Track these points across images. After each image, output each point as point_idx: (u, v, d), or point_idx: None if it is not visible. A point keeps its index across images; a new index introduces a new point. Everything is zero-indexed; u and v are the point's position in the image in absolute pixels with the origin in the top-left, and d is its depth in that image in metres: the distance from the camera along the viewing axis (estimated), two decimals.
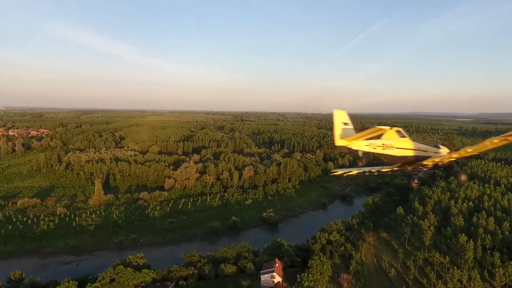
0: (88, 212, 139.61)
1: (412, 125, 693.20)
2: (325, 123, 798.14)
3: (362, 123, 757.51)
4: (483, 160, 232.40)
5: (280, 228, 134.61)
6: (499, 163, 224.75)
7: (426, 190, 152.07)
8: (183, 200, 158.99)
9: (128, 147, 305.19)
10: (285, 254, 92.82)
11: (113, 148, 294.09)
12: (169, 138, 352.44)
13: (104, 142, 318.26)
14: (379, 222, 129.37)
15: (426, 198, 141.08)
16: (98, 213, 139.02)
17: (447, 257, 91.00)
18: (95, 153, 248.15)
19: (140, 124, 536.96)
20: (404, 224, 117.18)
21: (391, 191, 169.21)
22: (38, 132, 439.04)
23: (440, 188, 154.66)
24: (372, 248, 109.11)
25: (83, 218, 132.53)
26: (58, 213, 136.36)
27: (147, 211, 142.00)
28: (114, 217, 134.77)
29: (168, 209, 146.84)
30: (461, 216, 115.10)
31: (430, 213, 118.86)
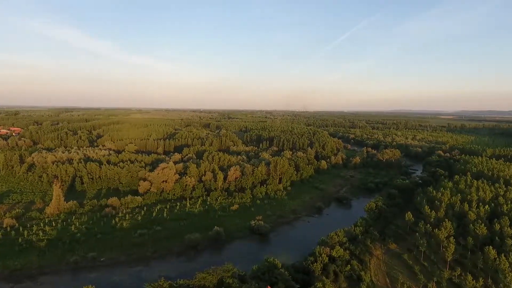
0: (42, 223, 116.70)
1: (401, 122, 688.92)
2: (313, 120, 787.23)
3: (351, 121, 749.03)
4: (483, 157, 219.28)
5: (271, 238, 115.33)
6: (500, 160, 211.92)
7: (434, 191, 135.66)
8: (158, 207, 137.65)
9: (103, 146, 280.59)
10: (280, 279, 73.48)
11: (86, 147, 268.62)
12: (149, 136, 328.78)
13: (77, 141, 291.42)
14: (385, 231, 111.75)
15: (436, 201, 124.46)
16: (54, 224, 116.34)
17: (481, 279, 73.62)
18: (64, 152, 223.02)
19: (121, 121, 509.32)
20: (417, 234, 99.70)
21: (393, 193, 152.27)
22: (9, 131, 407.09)
23: (448, 189, 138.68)
24: (382, 264, 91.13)
25: (34, 231, 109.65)
26: (4, 226, 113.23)
27: (114, 221, 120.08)
28: (73, 229, 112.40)
29: (139, 217, 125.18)
30: (483, 224, 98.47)
31: (446, 220, 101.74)
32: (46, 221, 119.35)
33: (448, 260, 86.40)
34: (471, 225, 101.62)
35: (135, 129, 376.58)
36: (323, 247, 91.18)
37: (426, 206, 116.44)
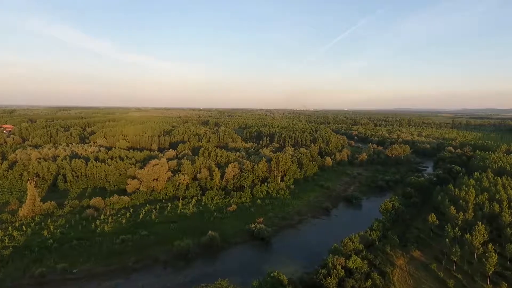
0: (11, 227, 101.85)
1: (404, 119, 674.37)
2: (314, 118, 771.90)
3: (353, 118, 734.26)
4: (499, 153, 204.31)
5: (273, 244, 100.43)
6: None
7: (456, 190, 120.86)
8: (147, 208, 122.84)
9: (95, 142, 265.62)
10: None
11: (77, 143, 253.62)
12: (145, 133, 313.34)
13: (67, 138, 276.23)
14: (406, 235, 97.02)
15: (461, 201, 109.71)
16: (24, 229, 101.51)
17: None
18: (50, 149, 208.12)
19: (118, 119, 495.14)
20: (446, 240, 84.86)
21: (409, 191, 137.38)
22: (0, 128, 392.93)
23: (471, 187, 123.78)
24: (408, 276, 76.30)
25: None
26: None
27: (94, 224, 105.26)
28: (46, 234, 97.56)
29: (124, 220, 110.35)
30: None
31: (479, 223, 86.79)
32: (17, 225, 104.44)
33: (490, 272, 71.50)
34: (508, 229, 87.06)
35: (130, 126, 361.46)
36: (336, 256, 76.42)
37: (451, 207, 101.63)
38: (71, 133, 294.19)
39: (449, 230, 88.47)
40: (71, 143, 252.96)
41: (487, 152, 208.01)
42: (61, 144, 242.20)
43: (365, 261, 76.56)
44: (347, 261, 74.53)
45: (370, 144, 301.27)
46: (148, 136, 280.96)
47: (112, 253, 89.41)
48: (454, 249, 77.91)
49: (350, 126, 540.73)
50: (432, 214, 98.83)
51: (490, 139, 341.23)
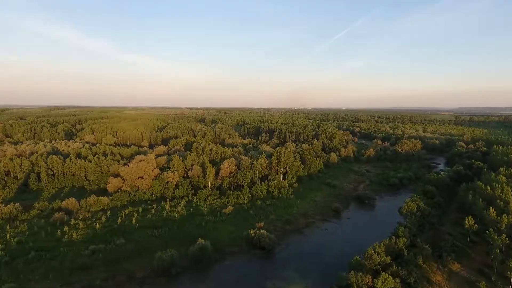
0: None
1: (406, 116, 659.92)
2: (314, 115, 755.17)
3: (356, 116, 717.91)
4: None
5: (277, 254, 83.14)
6: None
7: (488, 188, 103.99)
8: (127, 210, 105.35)
9: (82, 139, 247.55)
10: None
11: (61, 140, 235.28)
12: (136, 129, 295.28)
13: (51, 134, 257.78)
14: (438, 243, 79.97)
15: (498, 201, 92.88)
16: None
17: None
18: (28, 145, 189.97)
19: (111, 117, 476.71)
20: (497, 251, 67.73)
21: (430, 190, 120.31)
22: None
23: (504, 184, 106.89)
24: None
25: None
26: None
27: (60, 231, 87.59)
28: None
29: (98, 225, 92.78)
30: None
31: None
32: None
33: None
34: None
35: (123, 123, 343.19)
36: (360, 273, 59.29)
37: (491, 208, 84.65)
38: (56, 130, 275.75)
39: (494, 237, 71.51)
40: (55, 140, 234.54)
41: (505, 146, 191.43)
42: (43, 140, 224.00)
43: (397, 279, 59.46)
44: (375, 280, 57.43)
45: (376, 140, 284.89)
46: (139, 132, 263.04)
47: (77, 268, 71.76)
48: (511, 263, 60.85)
49: (352, 123, 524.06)
50: (470, 217, 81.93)
51: (498, 134, 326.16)
